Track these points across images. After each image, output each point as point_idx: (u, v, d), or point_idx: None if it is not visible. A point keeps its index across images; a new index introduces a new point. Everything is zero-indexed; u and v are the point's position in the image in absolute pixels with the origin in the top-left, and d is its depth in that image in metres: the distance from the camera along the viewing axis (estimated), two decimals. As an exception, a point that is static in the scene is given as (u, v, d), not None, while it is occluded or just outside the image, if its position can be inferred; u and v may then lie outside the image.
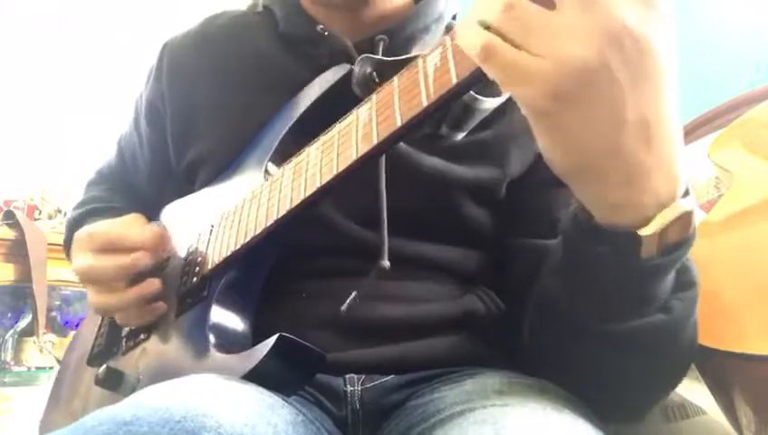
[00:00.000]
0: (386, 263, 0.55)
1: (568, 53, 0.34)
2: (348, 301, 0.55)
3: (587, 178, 0.39)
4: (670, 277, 0.45)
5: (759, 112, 0.84)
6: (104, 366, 0.65)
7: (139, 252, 0.65)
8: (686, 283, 0.46)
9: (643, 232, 0.39)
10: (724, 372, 0.51)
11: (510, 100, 0.52)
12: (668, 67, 0.35)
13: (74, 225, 0.81)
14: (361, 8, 0.69)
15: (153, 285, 0.64)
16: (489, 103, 0.49)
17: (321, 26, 0.68)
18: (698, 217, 0.72)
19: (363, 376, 0.59)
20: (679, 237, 0.40)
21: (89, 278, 0.66)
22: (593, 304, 0.46)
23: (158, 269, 0.69)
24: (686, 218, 0.39)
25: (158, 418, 0.40)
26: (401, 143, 0.61)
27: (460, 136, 0.53)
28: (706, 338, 0.50)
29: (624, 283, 0.43)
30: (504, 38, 0.36)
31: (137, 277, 0.65)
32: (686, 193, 0.39)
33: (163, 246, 0.69)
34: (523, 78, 0.35)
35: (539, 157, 0.52)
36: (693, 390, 0.62)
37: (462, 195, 0.63)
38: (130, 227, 0.69)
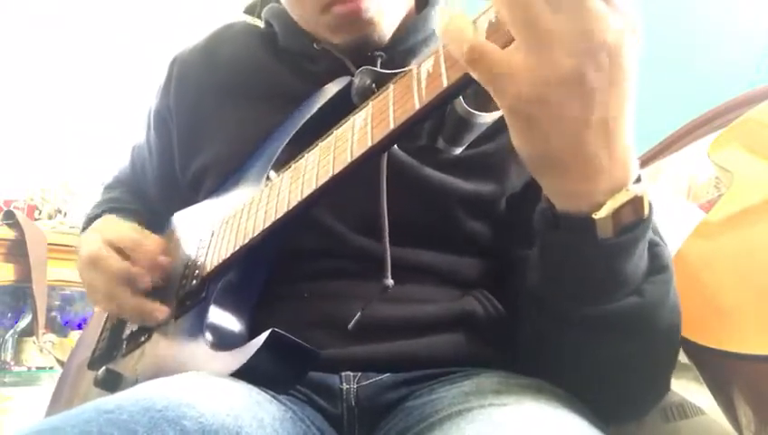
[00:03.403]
0: (389, 281, 0.55)
1: (555, 59, 0.37)
2: (354, 320, 0.56)
3: (550, 169, 0.43)
4: (638, 262, 0.47)
5: (759, 112, 0.85)
6: (103, 368, 0.66)
7: (145, 272, 0.65)
8: (657, 267, 0.49)
9: (597, 215, 0.43)
10: (724, 371, 0.51)
11: None
12: (633, 74, 0.39)
13: (90, 223, 0.81)
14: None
15: (162, 311, 0.64)
16: (485, 118, 0.50)
17: (318, 44, 0.69)
18: (698, 216, 0.72)
19: (359, 374, 0.59)
20: (634, 218, 0.44)
21: (95, 264, 0.66)
22: (566, 289, 0.50)
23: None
24: (637, 202, 0.43)
25: (139, 407, 0.41)
26: (404, 155, 0.63)
27: (458, 150, 0.54)
28: (706, 337, 0.50)
29: (589, 264, 0.46)
30: (497, 34, 0.39)
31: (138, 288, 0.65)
32: (639, 180, 0.43)
33: (164, 270, 0.68)
34: (508, 79, 0.38)
35: None
36: (691, 390, 0.62)
37: (460, 207, 0.64)
38: (153, 246, 0.68)
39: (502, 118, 0.51)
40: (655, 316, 0.49)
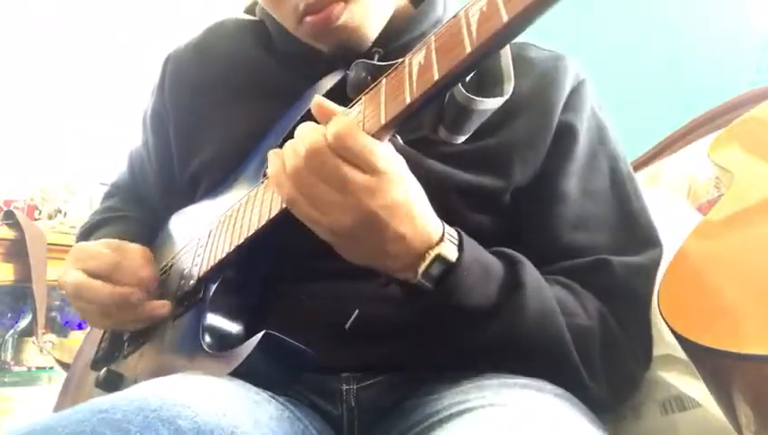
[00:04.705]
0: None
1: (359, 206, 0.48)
2: (351, 319, 0.56)
3: (374, 261, 0.53)
4: (478, 292, 0.53)
5: (759, 112, 0.84)
6: (104, 369, 0.66)
7: (135, 289, 0.65)
8: (513, 285, 0.55)
9: (415, 280, 0.52)
10: (724, 371, 0.51)
11: (512, 108, 0.53)
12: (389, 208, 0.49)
13: (84, 233, 0.82)
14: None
15: (162, 305, 0.64)
16: (486, 104, 0.48)
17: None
18: (695, 219, 0.72)
19: (359, 375, 0.59)
20: (444, 267, 0.51)
21: (79, 295, 0.66)
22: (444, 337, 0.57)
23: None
24: (440, 258, 0.51)
25: (134, 407, 0.41)
26: (405, 146, 0.61)
27: (460, 139, 0.53)
28: (706, 337, 0.50)
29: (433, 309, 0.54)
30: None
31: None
32: (442, 238, 0.52)
33: (155, 286, 0.69)
34: (327, 216, 0.49)
35: (540, 172, 0.65)
36: (686, 382, 0.62)
37: (463, 199, 0.63)
38: (133, 261, 0.68)
39: (504, 111, 0.50)
40: (529, 325, 0.54)
